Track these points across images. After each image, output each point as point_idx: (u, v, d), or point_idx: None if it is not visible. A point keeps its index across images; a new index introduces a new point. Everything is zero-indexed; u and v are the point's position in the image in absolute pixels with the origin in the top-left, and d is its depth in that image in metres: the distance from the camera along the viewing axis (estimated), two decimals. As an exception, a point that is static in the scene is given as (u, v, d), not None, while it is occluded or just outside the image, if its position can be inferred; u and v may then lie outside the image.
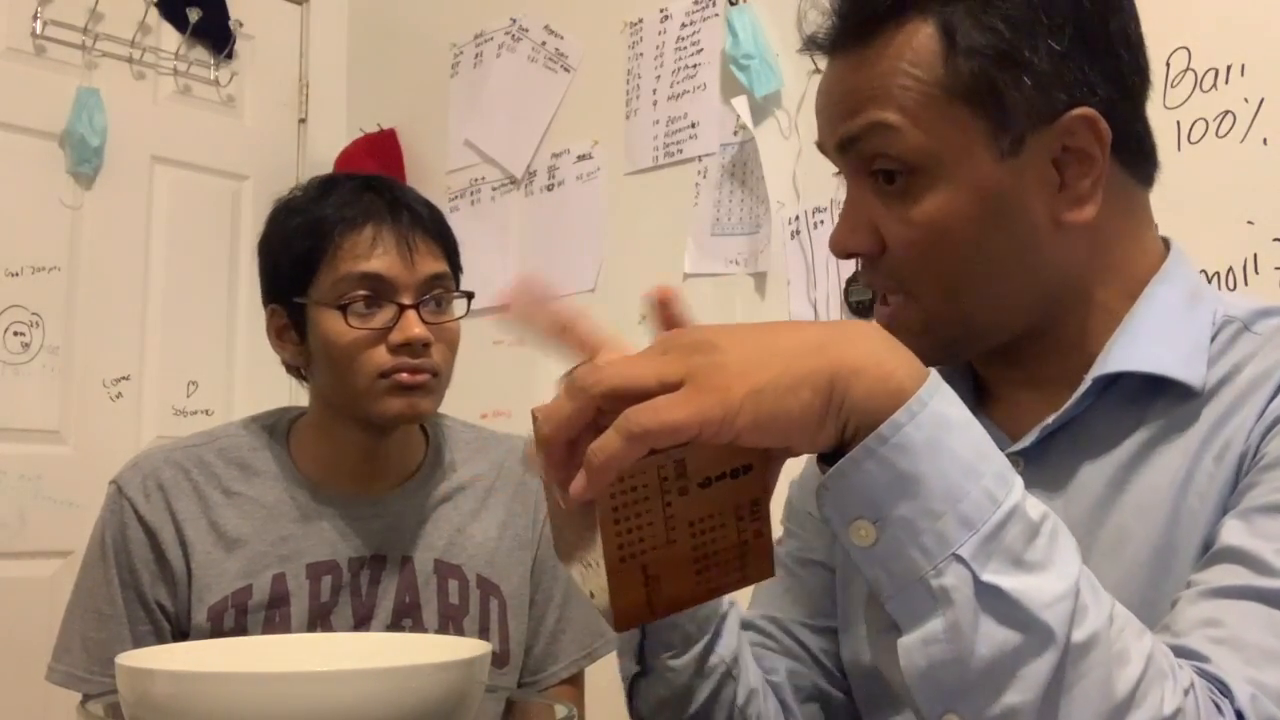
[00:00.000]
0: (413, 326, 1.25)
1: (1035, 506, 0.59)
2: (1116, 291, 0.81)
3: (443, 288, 1.30)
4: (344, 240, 1.26)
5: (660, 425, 0.56)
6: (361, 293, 1.25)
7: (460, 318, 1.33)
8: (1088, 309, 0.81)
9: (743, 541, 0.63)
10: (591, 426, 0.58)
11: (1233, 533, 0.70)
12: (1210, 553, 0.71)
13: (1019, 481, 0.60)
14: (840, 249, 0.82)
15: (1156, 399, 0.78)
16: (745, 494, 0.62)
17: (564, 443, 0.59)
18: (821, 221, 2.06)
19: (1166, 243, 0.86)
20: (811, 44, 0.82)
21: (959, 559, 0.57)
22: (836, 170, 0.85)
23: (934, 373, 0.60)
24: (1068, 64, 0.77)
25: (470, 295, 1.34)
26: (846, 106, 0.79)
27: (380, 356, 1.25)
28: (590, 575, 0.63)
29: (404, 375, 1.25)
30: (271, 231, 1.33)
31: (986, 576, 0.57)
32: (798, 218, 2.09)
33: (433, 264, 1.29)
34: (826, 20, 0.81)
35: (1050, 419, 0.79)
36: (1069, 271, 0.80)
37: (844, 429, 0.58)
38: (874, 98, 0.77)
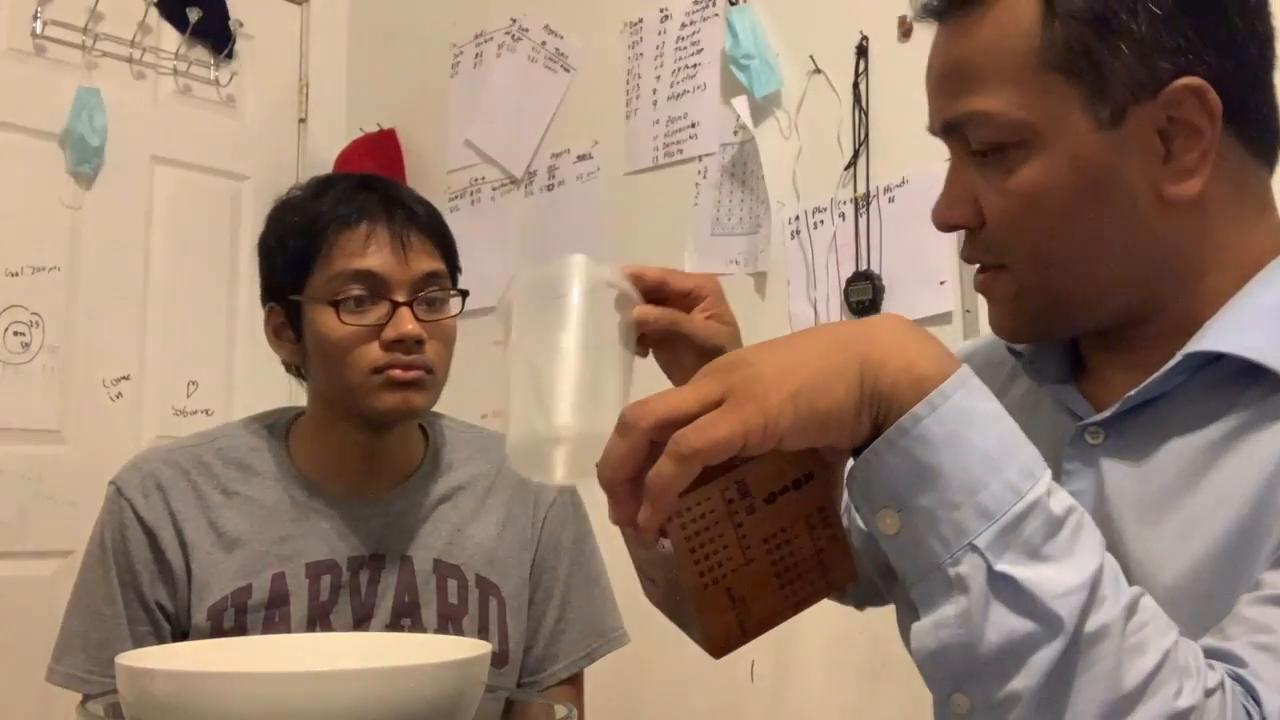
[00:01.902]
0: (405, 323, 1.25)
1: (1061, 501, 0.60)
2: (1230, 277, 0.77)
3: (438, 285, 1.30)
4: (338, 238, 1.27)
5: (707, 441, 0.59)
6: (355, 289, 1.26)
7: (454, 316, 1.33)
8: (1195, 293, 0.77)
9: (819, 549, 0.66)
10: (649, 461, 0.61)
11: None
12: None
13: (1047, 476, 0.61)
14: (941, 221, 0.82)
15: (1252, 386, 0.73)
16: (811, 502, 0.65)
17: (625, 481, 0.62)
18: (821, 221, 2.06)
19: None
20: (924, 11, 0.81)
21: (974, 548, 0.59)
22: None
23: (964, 366, 0.62)
24: (1170, 30, 0.73)
25: (465, 293, 1.34)
26: (947, 88, 0.79)
27: (374, 352, 1.25)
28: (684, 613, 0.65)
29: (397, 371, 1.25)
30: (269, 230, 1.34)
31: (1001, 566, 0.58)
32: (797, 218, 2.09)
33: (428, 262, 1.29)
34: None
35: (1134, 391, 0.76)
36: (1173, 252, 0.77)
37: (876, 418, 0.61)
38: (972, 80, 0.77)
